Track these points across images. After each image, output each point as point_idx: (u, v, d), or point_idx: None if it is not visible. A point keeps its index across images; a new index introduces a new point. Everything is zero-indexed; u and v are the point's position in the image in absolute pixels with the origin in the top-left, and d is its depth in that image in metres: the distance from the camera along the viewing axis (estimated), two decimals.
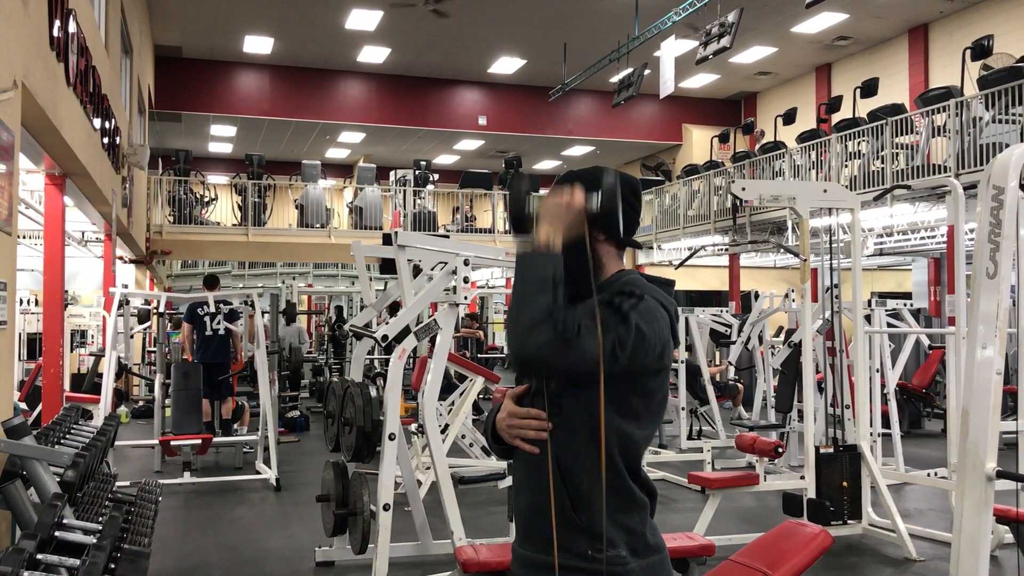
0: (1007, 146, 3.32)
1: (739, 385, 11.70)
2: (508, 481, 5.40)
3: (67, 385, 9.66)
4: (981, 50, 11.22)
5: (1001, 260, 3.03)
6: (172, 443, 8.33)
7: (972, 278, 3.15)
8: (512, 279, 1.91)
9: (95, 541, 2.46)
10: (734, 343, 10.84)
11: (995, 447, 3.03)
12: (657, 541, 1.98)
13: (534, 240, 1.88)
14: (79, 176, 8.00)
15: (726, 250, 17.64)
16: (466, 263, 4.96)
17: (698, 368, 9.80)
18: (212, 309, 9.50)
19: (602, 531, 1.88)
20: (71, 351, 13.33)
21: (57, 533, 2.46)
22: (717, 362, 10.53)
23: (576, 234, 1.93)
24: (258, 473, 8.57)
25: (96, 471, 3.65)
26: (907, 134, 12.30)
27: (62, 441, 3.66)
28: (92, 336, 15.54)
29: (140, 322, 11.09)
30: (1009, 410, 8.04)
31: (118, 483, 4.34)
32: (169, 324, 10.31)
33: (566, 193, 1.94)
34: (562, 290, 1.82)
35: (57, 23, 6.08)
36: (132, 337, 10.94)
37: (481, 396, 10.88)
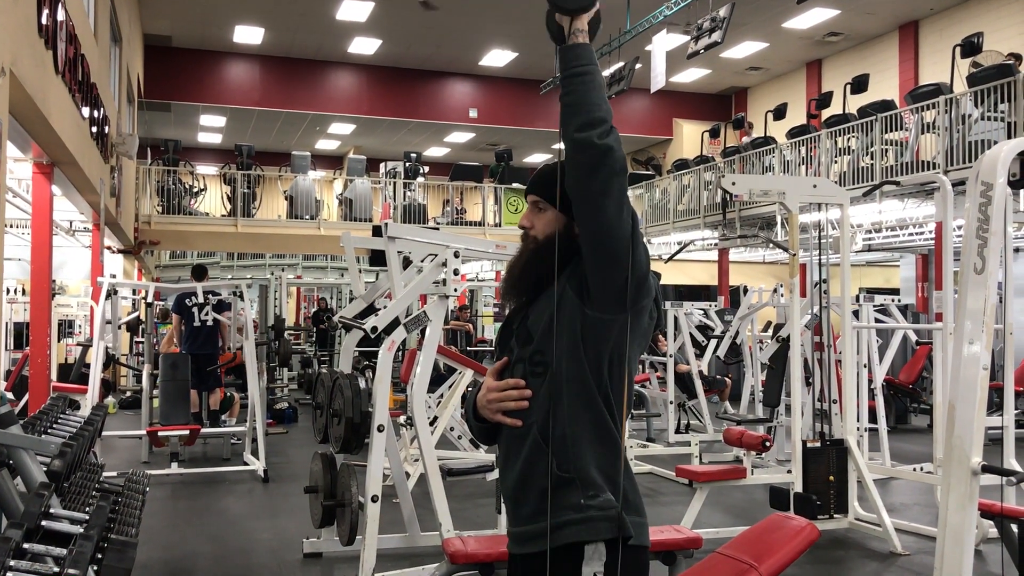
0: (995, 143, 3.33)
1: (727, 379, 11.74)
2: (495, 473, 5.41)
3: (54, 375, 9.63)
4: (971, 47, 11.25)
5: (989, 256, 3.04)
6: (160, 434, 8.30)
7: (960, 274, 3.16)
8: (563, 86, 1.95)
9: (82, 531, 2.45)
10: (720, 337, 10.88)
11: (980, 442, 3.05)
12: (638, 503, 2.02)
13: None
14: (67, 165, 7.95)
15: (715, 245, 17.68)
16: (456, 255, 4.96)
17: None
18: (200, 300, 9.46)
19: (590, 475, 1.93)
20: (58, 341, 13.27)
21: (44, 522, 2.45)
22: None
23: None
24: (246, 464, 8.56)
25: (83, 461, 3.64)
26: (897, 130, 12.34)
27: (49, 431, 3.65)
28: (80, 326, 15.47)
29: (129, 329, 11.03)
30: (995, 406, 8.09)
31: (105, 473, 4.32)
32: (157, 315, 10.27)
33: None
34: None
35: (46, 10, 6.04)
36: (120, 328, 10.89)
37: (470, 389, 10.90)
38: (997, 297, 3.28)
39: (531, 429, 1.97)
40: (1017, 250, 12.26)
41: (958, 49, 11.39)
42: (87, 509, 2.84)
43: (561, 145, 1.95)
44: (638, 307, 1.97)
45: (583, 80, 1.91)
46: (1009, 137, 10.15)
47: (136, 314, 12.07)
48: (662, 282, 2.16)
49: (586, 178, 1.88)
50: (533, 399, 1.98)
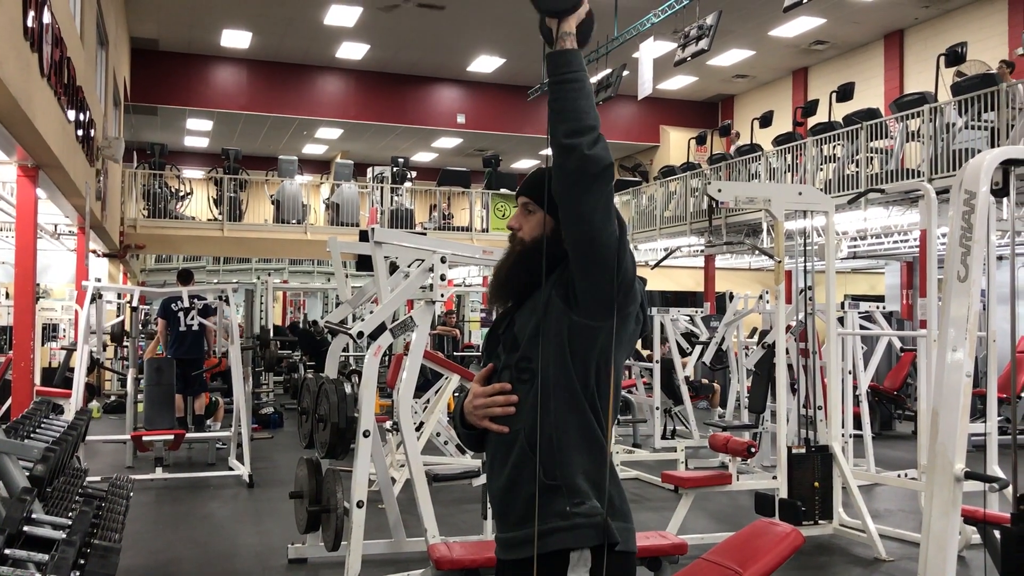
0: (979, 152, 3.36)
1: (715, 385, 11.76)
2: (482, 479, 5.41)
3: (38, 379, 9.55)
4: (955, 57, 11.35)
5: (972, 264, 3.07)
6: (144, 438, 8.25)
7: (943, 281, 3.19)
8: (551, 96, 1.96)
9: (64, 536, 2.44)
10: (706, 344, 10.90)
11: (964, 449, 3.07)
12: (625, 509, 2.02)
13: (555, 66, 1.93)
14: (52, 168, 7.91)
15: (702, 251, 17.73)
16: (443, 260, 4.96)
17: (672, 363, 9.84)
18: (186, 304, 9.42)
19: (576, 482, 1.93)
20: (42, 345, 13.19)
21: (26, 528, 2.43)
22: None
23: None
24: (231, 469, 8.51)
25: (66, 466, 3.61)
26: (882, 139, 12.41)
27: (32, 435, 3.62)
28: (64, 330, 15.38)
29: (113, 339, 10.96)
30: (978, 412, 8.15)
31: (89, 478, 4.29)
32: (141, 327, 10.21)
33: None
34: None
35: (31, 13, 6.01)
36: (108, 338, 10.83)
37: (457, 394, 10.87)
38: (980, 305, 3.31)
39: (518, 435, 1.98)
40: (1000, 258, 12.34)
41: (942, 58, 11.48)
42: (70, 514, 2.83)
43: (550, 151, 1.96)
44: (624, 313, 1.97)
45: (572, 87, 1.91)
46: (992, 146, 10.23)
47: (121, 319, 11.99)
48: (648, 288, 2.17)
49: (573, 184, 1.88)
50: (520, 405, 1.98)
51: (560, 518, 1.92)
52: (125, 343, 10.35)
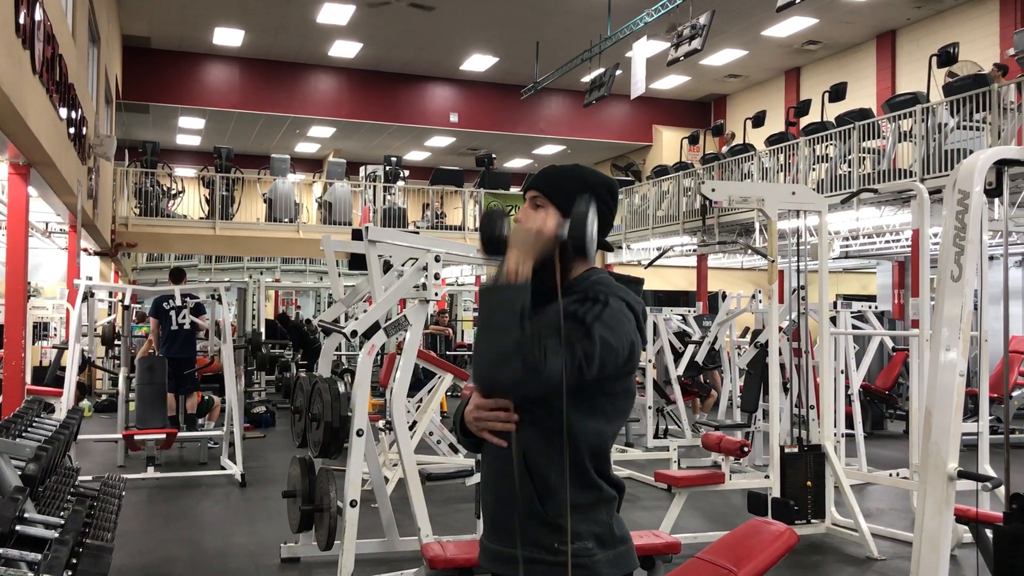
0: (971, 152, 3.37)
1: (712, 387, 11.70)
2: (476, 478, 5.40)
3: (29, 378, 9.51)
4: (947, 57, 11.38)
5: (965, 264, 3.08)
6: (136, 438, 8.23)
7: (936, 281, 3.19)
8: (479, 297, 1.94)
9: (57, 535, 2.43)
10: (699, 343, 10.92)
11: (956, 448, 3.08)
12: (623, 533, 2.01)
13: (503, 267, 1.88)
14: (44, 166, 7.88)
15: (694, 251, 17.75)
16: (436, 259, 4.95)
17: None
18: (178, 303, 9.39)
19: (567, 526, 1.90)
20: (33, 343, 13.12)
21: (18, 527, 2.42)
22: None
23: (546, 254, 1.95)
24: (223, 468, 8.49)
25: (58, 465, 3.60)
26: (874, 139, 12.45)
27: (23, 434, 3.61)
28: (55, 329, 15.31)
29: (104, 342, 10.92)
30: (970, 412, 8.17)
31: (81, 477, 4.27)
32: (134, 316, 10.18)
33: (538, 218, 1.98)
34: (527, 322, 1.82)
35: (23, 10, 5.99)
36: (99, 337, 10.79)
37: (449, 393, 10.87)
38: (973, 304, 3.32)
39: (514, 452, 1.95)
40: (992, 258, 12.39)
41: (934, 59, 11.52)
42: (62, 514, 2.81)
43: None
44: (627, 369, 1.98)
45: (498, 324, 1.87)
46: (985, 146, 10.26)
47: (112, 318, 11.95)
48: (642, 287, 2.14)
49: (527, 398, 1.90)
50: (520, 424, 1.95)
51: (546, 551, 1.91)
52: (116, 343, 10.31)
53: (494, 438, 1.98)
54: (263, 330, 13.11)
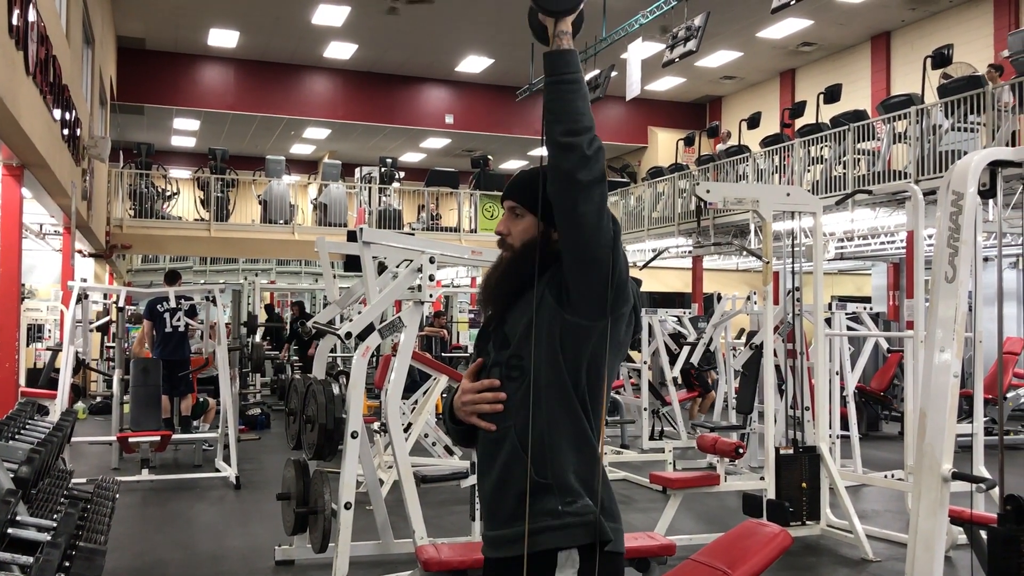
0: (966, 153, 3.37)
1: (710, 385, 11.69)
2: (471, 480, 5.39)
3: (23, 380, 9.50)
4: (941, 59, 11.40)
5: (959, 265, 3.08)
6: (130, 440, 8.20)
7: (931, 282, 3.19)
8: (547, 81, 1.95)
9: (49, 538, 2.42)
10: (694, 345, 10.91)
11: (951, 449, 3.08)
12: (614, 509, 2.02)
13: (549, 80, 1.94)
14: (38, 167, 7.87)
15: (690, 252, 17.77)
16: (432, 261, 4.94)
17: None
18: (172, 305, 9.37)
19: (568, 481, 1.92)
20: (27, 346, 13.10)
21: (10, 530, 2.41)
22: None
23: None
24: (217, 471, 8.48)
25: (52, 467, 3.58)
26: (869, 140, 12.47)
27: (16, 437, 3.59)
28: (49, 330, 15.28)
29: (99, 330, 10.90)
30: (965, 413, 8.18)
31: (74, 480, 4.26)
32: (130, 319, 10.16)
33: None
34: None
35: (16, 11, 5.98)
36: (94, 331, 10.76)
37: (444, 395, 10.84)
38: (967, 305, 3.32)
39: (508, 433, 1.97)
40: (986, 259, 12.41)
41: (929, 60, 11.54)
42: (55, 516, 2.80)
43: (542, 151, 1.94)
44: (617, 314, 1.96)
45: (570, 88, 1.91)
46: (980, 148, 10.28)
47: (108, 318, 11.93)
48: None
49: (570, 184, 1.87)
50: (509, 402, 1.97)
51: (551, 516, 1.92)
52: (111, 342, 10.29)
53: (482, 422, 1.99)
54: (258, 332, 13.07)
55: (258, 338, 13.46)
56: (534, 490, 1.92)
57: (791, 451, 6.02)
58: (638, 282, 2.12)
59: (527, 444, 1.93)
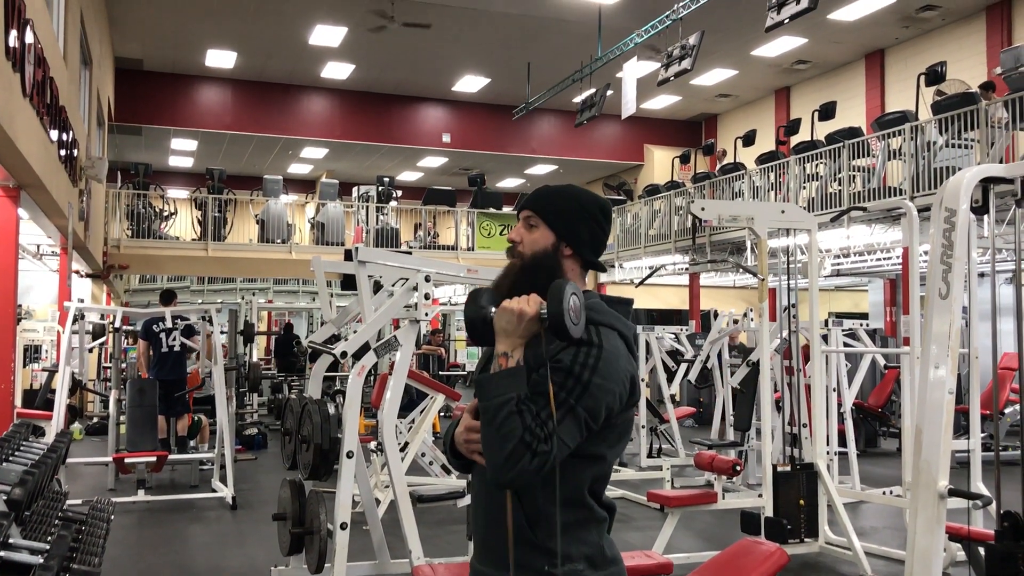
0: (960, 170, 3.39)
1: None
2: (467, 500, 5.37)
3: (20, 401, 9.47)
4: (935, 76, 11.46)
5: (953, 281, 3.08)
6: (126, 460, 8.18)
7: (926, 299, 3.20)
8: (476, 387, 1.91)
9: (42, 561, 2.41)
10: (691, 362, 10.91)
11: (947, 465, 3.08)
12: (614, 554, 1.99)
13: (494, 356, 1.89)
14: (34, 188, 7.87)
15: (686, 269, 17.78)
16: (427, 279, 4.95)
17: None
18: (168, 325, 9.36)
19: (558, 549, 1.88)
20: (24, 367, 13.07)
21: (2, 553, 2.40)
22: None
23: (532, 334, 1.90)
24: (214, 491, 8.45)
25: (46, 489, 3.57)
26: (864, 157, 12.51)
27: (11, 458, 3.58)
28: (46, 351, 15.25)
29: (94, 338, 10.88)
30: (961, 429, 8.17)
31: (70, 501, 4.24)
32: (126, 340, 10.15)
33: (518, 303, 1.90)
34: (529, 410, 1.81)
35: (14, 32, 6.00)
36: (91, 351, 10.74)
37: (442, 414, 10.82)
38: (962, 321, 3.33)
39: None
40: (981, 275, 12.44)
41: (922, 78, 11.60)
42: (48, 539, 2.79)
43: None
44: (630, 403, 1.96)
45: (484, 418, 1.86)
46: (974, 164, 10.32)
47: (105, 332, 11.90)
48: (634, 307, 2.14)
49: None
50: None
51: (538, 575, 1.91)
52: (107, 363, 10.27)
53: (483, 460, 1.97)
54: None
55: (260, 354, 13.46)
56: (523, 541, 1.91)
57: (789, 468, 6.01)
58: (628, 302, 2.10)
59: (520, 493, 1.92)
